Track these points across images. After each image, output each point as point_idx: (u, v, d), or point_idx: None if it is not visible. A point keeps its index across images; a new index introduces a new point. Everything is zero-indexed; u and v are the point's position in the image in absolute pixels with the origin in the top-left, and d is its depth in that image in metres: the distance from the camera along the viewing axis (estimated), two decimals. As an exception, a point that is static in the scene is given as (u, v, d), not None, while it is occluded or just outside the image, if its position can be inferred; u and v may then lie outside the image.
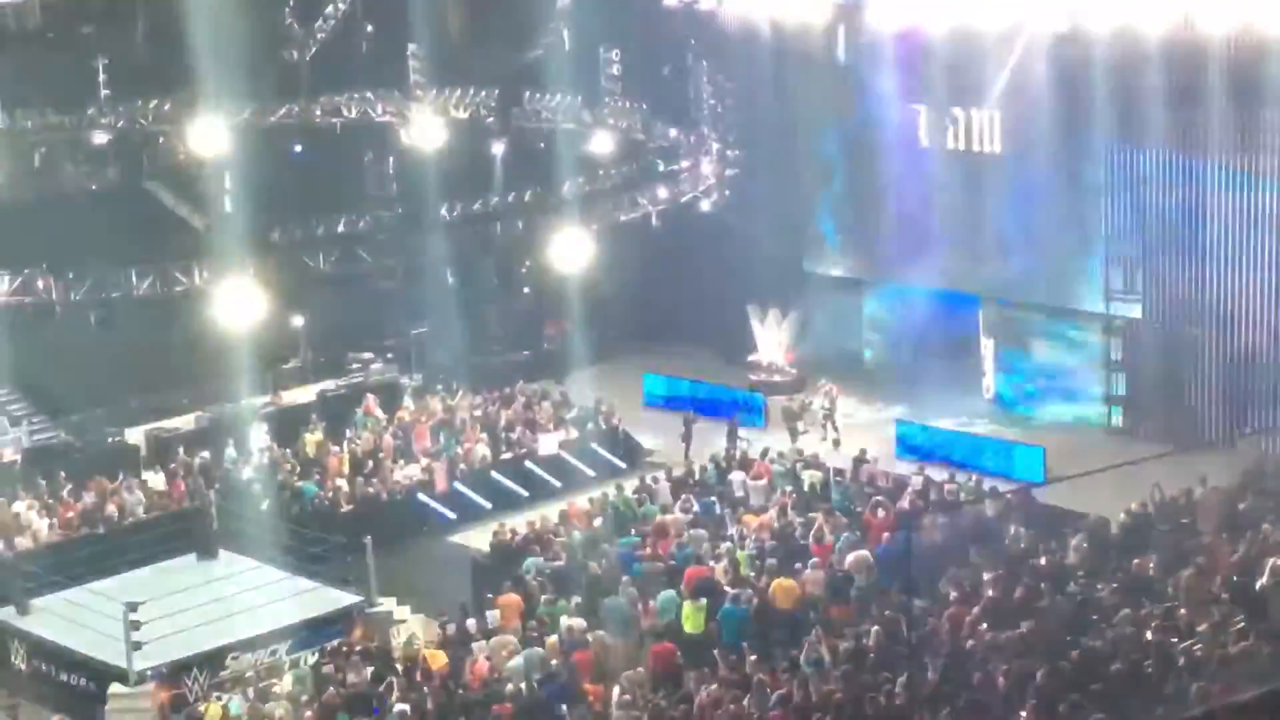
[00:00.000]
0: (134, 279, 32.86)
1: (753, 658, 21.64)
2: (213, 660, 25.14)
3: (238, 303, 32.60)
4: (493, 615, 24.60)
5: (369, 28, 46.59)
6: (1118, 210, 34.56)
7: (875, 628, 22.11)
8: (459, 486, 32.25)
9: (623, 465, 33.99)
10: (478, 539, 29.89)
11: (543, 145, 42.68)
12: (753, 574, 25.22)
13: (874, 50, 38.12)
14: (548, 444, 33.86)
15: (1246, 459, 29.12)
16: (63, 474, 32.14)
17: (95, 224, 38.44)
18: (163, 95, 43.56)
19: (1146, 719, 18.49)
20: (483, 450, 33.53)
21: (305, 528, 29.74)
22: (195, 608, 26.86)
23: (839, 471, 30.76)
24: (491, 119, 43.63)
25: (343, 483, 32.01)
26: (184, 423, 35.81)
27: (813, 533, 26.67)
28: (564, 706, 20.93)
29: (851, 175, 39.81)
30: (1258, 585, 22.02)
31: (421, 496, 31.86)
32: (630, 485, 30.75)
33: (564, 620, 23.80)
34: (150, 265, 33.00)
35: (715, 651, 22.03)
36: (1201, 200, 33.15)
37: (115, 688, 24.23)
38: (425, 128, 38.35)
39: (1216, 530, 25.32)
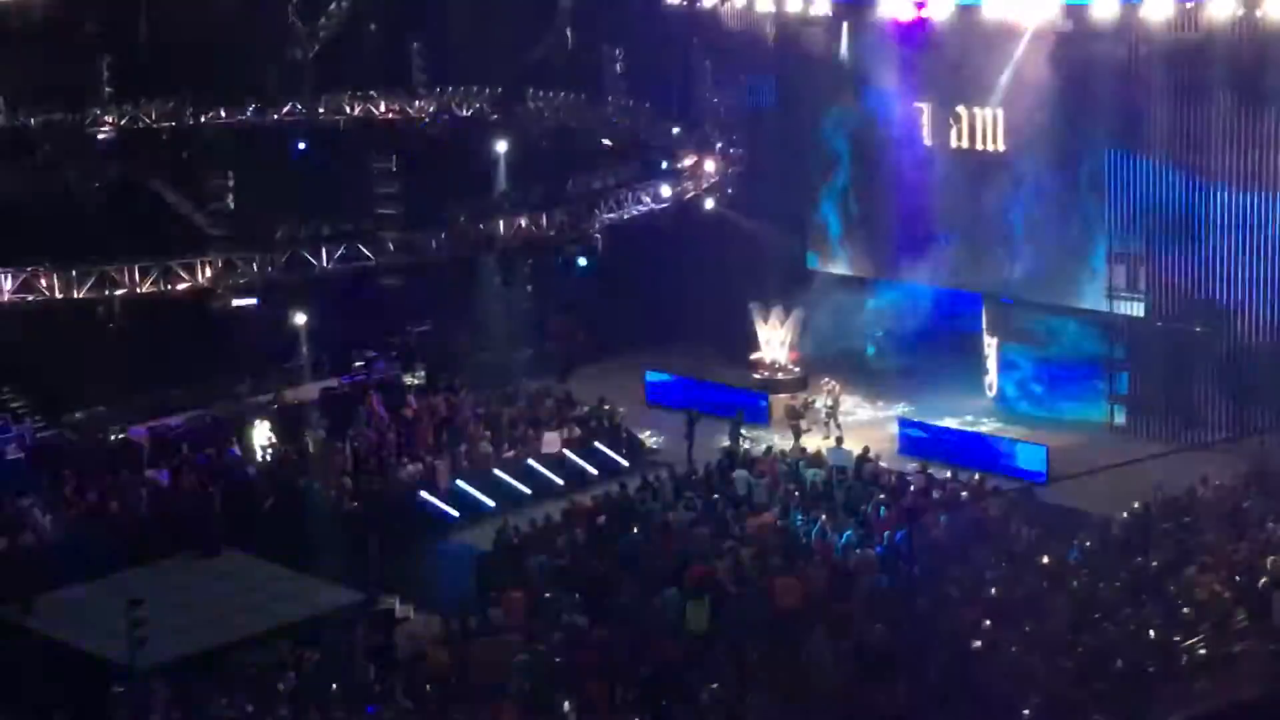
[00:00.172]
0: (137, 276, 32.89)
1: (757, 655, 21.65)
2: (216, 658, 25.14)
3: (240, 300, 32.64)
4: (496, 613, 24.61)
5: (372, 26, 46.64)
6: (1120, 208, 34.55)
7: (878, 626, 22.14)
8: (462, 484, 32.24)
9: (625, 464, 33.98)
10: (481, 537, 29.88)
11: (545, 143, 42.74)
12: (756, 572, 25.23)
13: (877, 48, 38.15)
14: (550, 442, 33.85)
15: (1249, 458, 29.15)
16: (66, 471, 32.17)
17: (98, 221, 38.48)
18: (166, 93, 43.63)
19: (1149, 718, 18.50)
20: (485, 448, 33.53)
21: (308, 525, 29.74)
22: (198, 605, 26.90)
23: (841, 470, 30.76)
24: (495, 117, 43.69)
25: (346, 480, 32.01)
26: (187, 420, 35.79)
27: (816, 531, 26.68)
28: (566, 704, 20.93)
29: (854, 174, 39.81)
30: (1260, 584, 22.04)
31: (424, 494, 31.85)
32: (633, 484, 30.76)
33: (566, 618, 23.81)
34: (153, 263, 33.03)
35: (720, 650, 22.02)
36: (1204, 199, 33.14)
37: (118, 685, 24.24)
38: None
39: (1219, 529, 25.35)
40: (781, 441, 34.09)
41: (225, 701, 22.74)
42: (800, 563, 25.46)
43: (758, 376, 39.06)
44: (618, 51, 42.88)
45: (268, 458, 33.60)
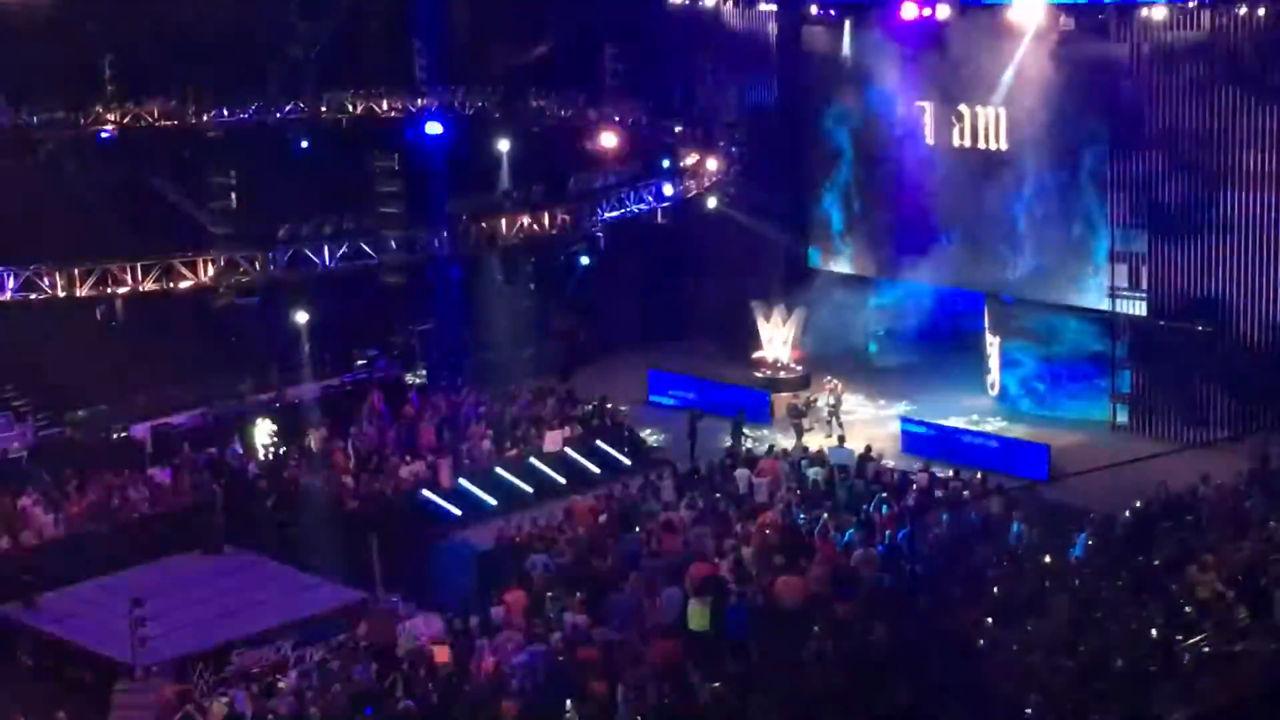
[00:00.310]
0: (139, 274, 32.87)
1: (758, 655, 21.65)
2: (218, 656, 25.17)
3: (242, 299, 32.65)
4: (497, 612, 24.62)
5: (374, 25, 46.60)
6: (1123, 207, 34.55)
7: (880, 625, 22.13)
8: (463, 483, 32.24)
9: (627, 462, 33.98)
10: (482, 536, 29.89)
11: (548, 142, 42.70)
12: (758, 572, 25.22)
13: (879, 47, 38.17)
14: (552, 441, 33.86)
15: (1252, 456, 29.14)
16: (68, 470, 32.19)
17: (100, 220, 38.44)
18: (168, 91, 43.60)
19: (1151, 717, 18.49)
20: (487, 447, 33.53)
21: (309, 524, 29.76)
22: (200, 603, 26.95)
23: (843, 469, 30.76)
24: (497, 116, 43.67)
25: (348, 479, 32.02)
26: (189, 418, 35.82)
27: (818, 530, 26.67)
28: (568, 704, 20.93)
29: (856, 172, 39.82)
30: (1262, 583, 22.03)
31: (426, 493, 31.86)
32: (635, 482, 30.76)
33: (568, 617, 23.82)
34: (155, 261, 33.01)
35: (722, 649, 22.01)
36: (1206, 197, 33.13)
37: (121, 683, 24.27)
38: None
39: (1221, 528, 25.34)
40: (783, 440, 34.10)
41: (226, 699, 22.76)
42: (803, 561, 25.46)
43: (759, 375, 39.06)
44: (619, 50, 42.82)
45: (269, 456, 33.65)
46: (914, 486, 29.28)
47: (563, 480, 33.04)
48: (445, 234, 35.10)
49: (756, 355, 39.70)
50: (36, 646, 26.61)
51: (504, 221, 35.56)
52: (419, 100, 43.79)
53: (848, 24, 38.74)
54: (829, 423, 35.21)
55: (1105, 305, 35.11)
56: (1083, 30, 34.42)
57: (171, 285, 33.00)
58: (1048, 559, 24.77)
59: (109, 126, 43.68)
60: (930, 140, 37.75)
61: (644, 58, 42.91)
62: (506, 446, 33.80)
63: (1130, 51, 33.66)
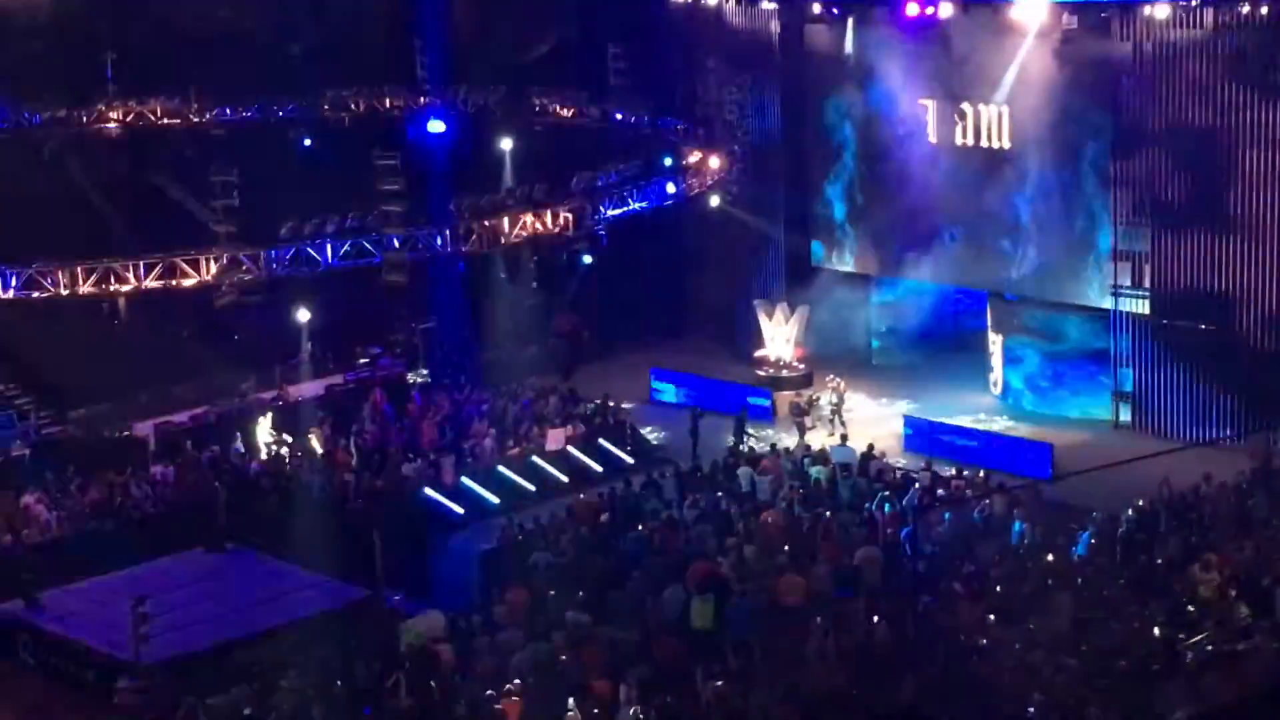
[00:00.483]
0: (142, 273, 32.88)
1: (761, 653, 21.64)
2: (219, 654, 25.17)
3: (245, 297, 32.65)
4: (500, 610, 24.61)
5: (376, 23, 46.60)
6: (1126, 205, 34.53)
7: (882, 623, 22.13)
8: (466, 482, 32.23)
9: (630, 461, 33.95)
10: (485, 534, 29.87)
11: (550, 141, 42.70)
12: (760, 570, 25.22)
13: (882, 45, 38.16)
14: (555, 439, 33.84)
15: (1255, 455, 29.13)
16: (71, 468, 32.20)
17: (103, 218, 38.48)
18: (171, 89, 43.61)
19: (1153, 715, 18.49)
20: (490, 445, 33.52)
21: (312, 522, 29.75)
22: (202, 601, 26.93)
23: (845, 467, 30.75)
24: (499, 114, 43.67)
25: (350, 477, 32.02)
26: (191, 416, 35.83)
27: (820, 528, 26.66)
28: (570, 702, 20.93)
29: (859, 171, 39.79)
30: (1264, 582, 22.02)
31: (428, 491, 31.85)
32: (637, 481, 30.76)
33: (571, 615, 23.81)
34: (158, 259, 33.02)
35: (725, 647, 22.01)
36: (1209, 196, 33.11)
37: (123, 681, 24.27)
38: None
39: (1224, 527, 25.34)
40: (786, 439, 34.09)
41: (228, 698, 22.75)
42: (805, 560, 25.47)
43: (762, 373, 39.04)
44: (622, 49, 42.82)
45: (272, 454, 33.63)
46: (916, 485, 29.27)
47: (565, 479, 33.01)
48: (448, 232, 35.11)
49: (759, 354, 39.68)
50: (38, 644, 26.60)
51: (506, 220, 35.55)
52: (421, 98, 43.78)
53: (850, 22, 38.72)
54: (831, 421, 35.19)
55: (1108, 304, 35.09)
56: (1085, 28, 34.40)
57: (174, 283, 33.00)
58: (1050, 558, 24.76)
59: (112, 124, 43.71)
60: (933, 138, 37.73)
61: (647, 56, 42.91)
62: (509, 445, 33.78)
63: (1133, 50, 33.64)
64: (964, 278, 38.29)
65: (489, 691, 21.44)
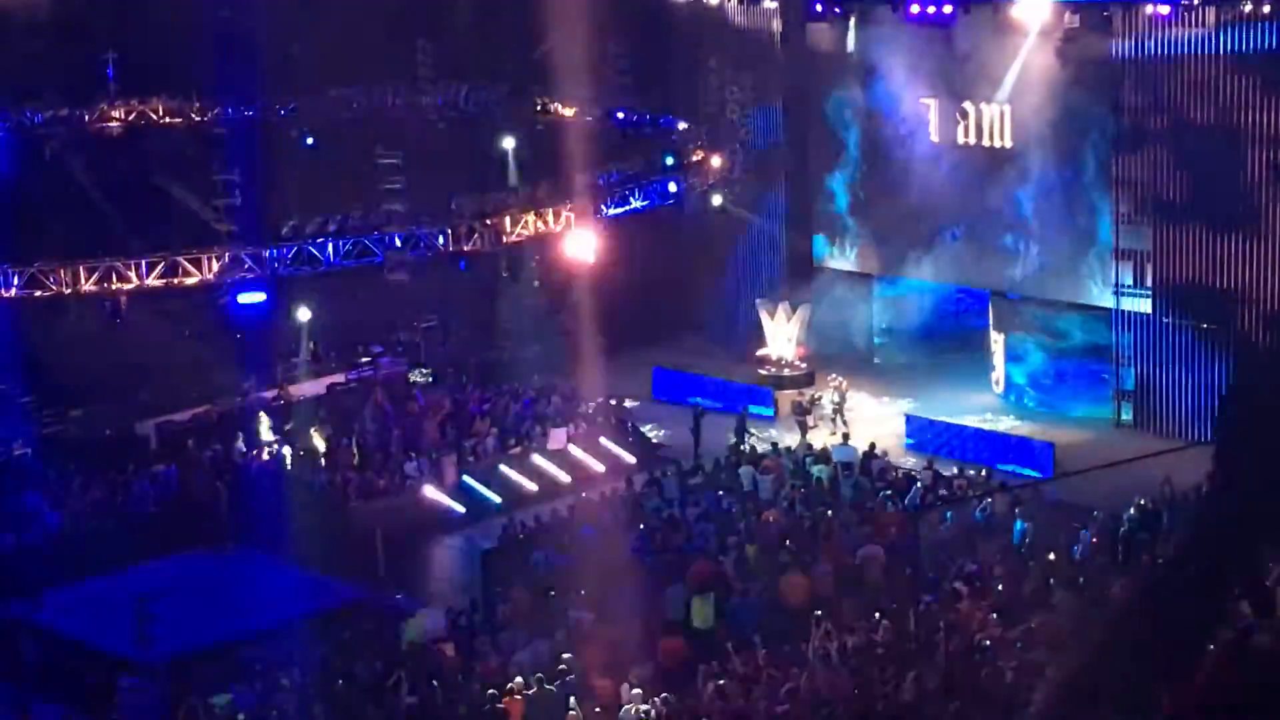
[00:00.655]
0: (144, 271, 32.91)
1: (762, 652, 21.64)
2: (222, 652, 25.17)
3: (248, 295, 32.67)
4: (502, 609, 24.62)
5: (378, 21, 46.62)
6: (1128, 204, 34.52)
7: (884, 622, 22.13)
8: (468, 480, 32.25)
9: (632, 460, 33.96)
10: (487, 533, 29.88)
11: (551, 140, 42.69)
12: (762, 569, 25.22)
13: (884, 44, 38.16)
14: (557, 438, 33.85)
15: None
16: (72, 466, 32.20)
17: (104, 216, 38.49)
18: (172, 88, 43.64)
19: (1154, 713, 18.45)
20: (491, 444, 33.53)
21: (314, 521, 29.74)
22: (204, 600, 26.93)
23: (847, 466, 30.75)
24: (501, 113, 43.68)
25: (351, 476, 32.02)
26: (193, 415, 35.82)
27: (822, 527, 26.66)
28: (573, 700, 20.94)
29: (861, 170, 39.79)
30: (1267, 582, 21.98)
31: (430, 490, 31.86)
32: (639, 480, 30.76)
33: (573, 614, 23.82)
34: (159, 258, 33.05)
35: (728, 646, 22.00)
36: (1211, 195, 33.10)
37: (125, 680, 24.27)
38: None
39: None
40: (788, 438, 34.08)
41: (231, 696, 22.76)
42: (807, 559, 25.47)
43: (764, 372, 39.04)
44: (624, 48, 42.82)
45: (274, 453, 33.62)
46: (918, 484, 29.27)
47: (567, 477, 33.02)
48: (450, 231, 35.14)
49: (761, 352, 39.68)
50: (41, 643, 26.60)
51: (509, 218, 35.56)
52: (423, 97, 43.82)
53: (852, 20, 38.73)
54: (833, 420, 35.18)
55: (1110, 303, 35.08)
56: (1087, 27, 34.40)
57: (176, 282, 33.02)
58: (1051, 556, 24.76)
59: (114, 123, 43.73)
60: (935, 137, 37.73)
61: (649, 55, 42.90)
62: (511, 444, 33.80)
63: (1135, 48, 33.64)
64: (966, 276, 38.29)
65: (490, 690, 21.45)
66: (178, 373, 36.61)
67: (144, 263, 32.99)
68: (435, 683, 22.05)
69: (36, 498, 30.71)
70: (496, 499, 32.04)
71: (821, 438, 33.89)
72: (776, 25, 40.21)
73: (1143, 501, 26.38)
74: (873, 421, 35.86)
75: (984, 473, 30.35)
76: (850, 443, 32.49)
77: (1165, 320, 34.21)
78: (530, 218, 35.74)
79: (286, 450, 33.67)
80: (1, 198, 38.70)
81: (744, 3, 40.46)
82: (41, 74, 42.67)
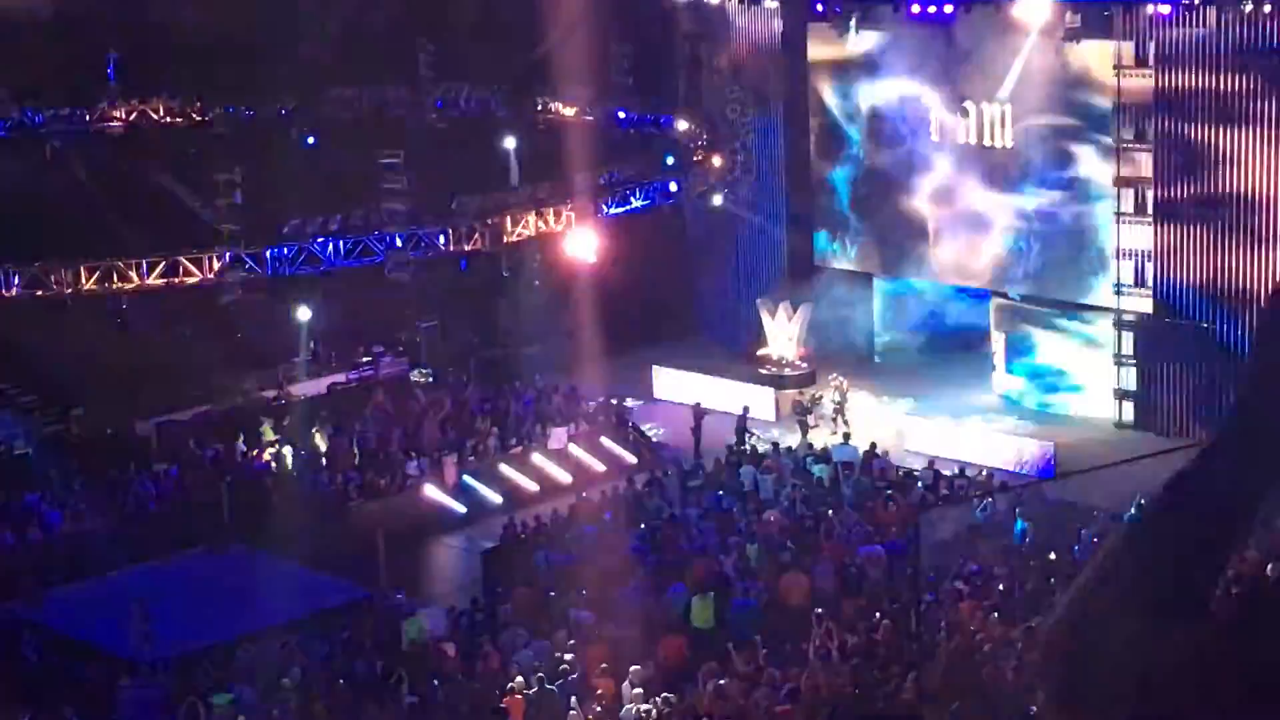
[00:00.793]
0: (145, 271, 32.92)
1: (763, 652, 21.64)
2: (223, 652, 25.17)
3: (250, 295, 32.70)
4: (503, 609, 24.62)
5: (380, 21, 46.63)
6: (1129, 203, 34.51)
7: (885, 622, 22.13)
8: (469, 480, 32.24)
9: (633, 459, 33.95)
10: (488, 533, 29.88)
11: (552, 140, 42.70)
12: (763, 569, 25.22)
13: (885, 43, 38.15)
14: (558, 438, 33.85)
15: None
16: (74, 466, 32.19)
17: (105, 216, 38.47)
18: (173, 87, 43.64)
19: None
20: (492, 444, 33.52)
21: (314, 521, 29.75)
22: (205, 600, 26.92)
23: (848, 466, 30.74)
24: (502, 113, 43.68)
25: (353, 475, 32.02)
26: (195, 415, 35.81)
27: (823, 527, 26.66)
28: (573, 700, 20.94)
29: (862, 169, 39.76)
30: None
31: (431, 490, 31.86)
32: (640, 479, 30.75)
33: (573, 614, 23.81)
34: (161, 257, 33.05)
35: (729, 645, 22.00)
36: (1214, 194, 33.10)
37: (126, 679, 24.27)
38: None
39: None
40: (788, 437, 34.07)
41: (231, 696, 22.77)
42: (807, 558, 25.47)
43: (765, 372, 39.00)
44: (625, 47, 42.81)
45: (274, 453, 33.62)
46: (919, 484, 29.25)
47: (567, 477, 33.02)
48: (451, 230, 35.14)
49: (762, 352, 39.66)
50: (42, 643, 26.60)
51: (510, 218, 35.56)
52: (424, 97, 43.82)
53: (853, 20, 38.70)
54: (835, 420, 35.15)
55: (1111, 302, 35.06)
56: (1089, 26, 34.40)
57: (177, 281, 33.02)
58: (1052, 556, 24.76)
59: (115, 123, 43.74)
60: (936, 136, 37.72)
61: (649, 55, 42.89)
62: (512, 444, 33.79)
63: (1135, 47, 33.63)
64: (967, 276, 38.27)
65: (491, 690, 21.45)
66: (178, 373, 36.62)
67: (144, 263, 32.99)
68: (436, 682, 22.06)
69: (37, 498, 30.70)
70: (497, 499, 32.03)
71: (822, 437, 33.88)
72: (777, 25, 40.19)
73: (1144, 501, 26.34)
74: (874, 421, 35.82)
75: (985, 473, 30.32)
76: (851, 442, 32.49)
77: (1166, 320, 34.18)
78: (531, 217, 35.73)
79: (287, 450, 33.66)
80: (2, 197, 38.78)
81: (745, 2, 40.43)
82: (43, 73, 42.65)
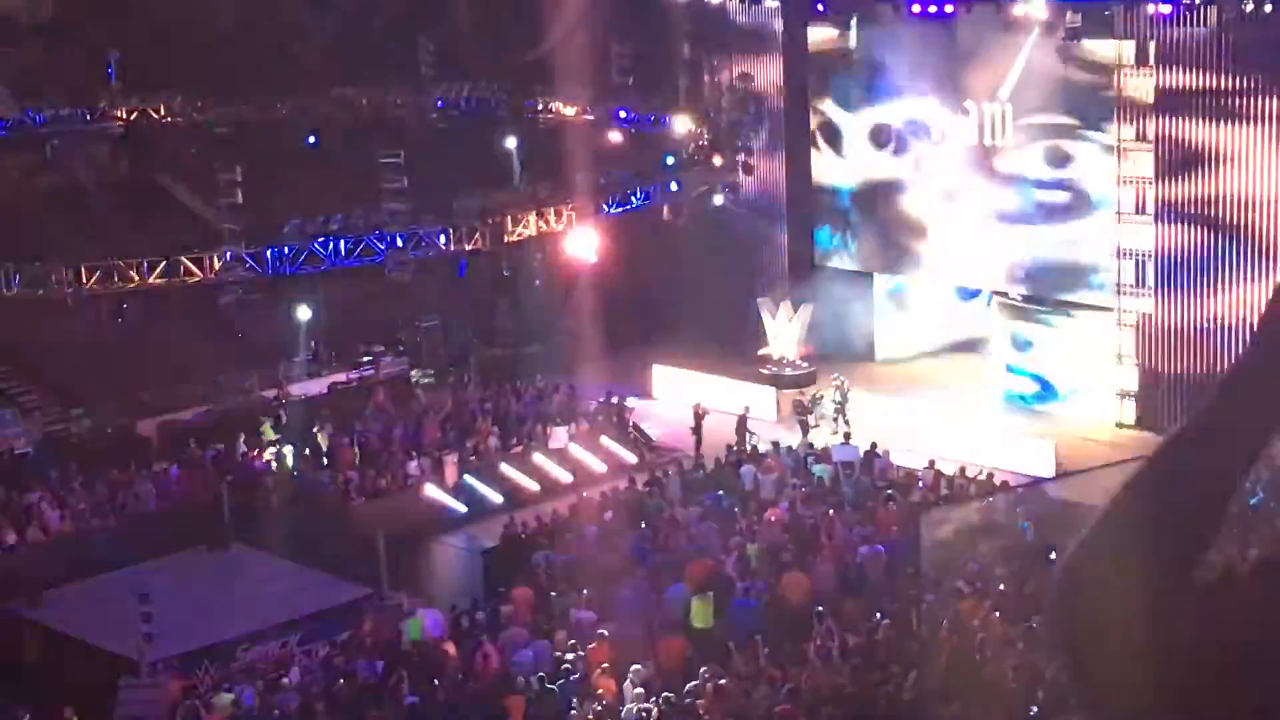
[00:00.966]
0: (146, 270, 32.93)
1: (765, 651, 21.64)
2: (223, 652, 25.19)
3: (248, 295, 32.71)
4: (506, 609, 24.61)
5: (381, 20, 46.64)
6: (1129, 203, 34.51)
7: (885, 621, 22.12)
8: (469, 480, 32.24)
9: (633, 459, 33.94)
10: (488, 532, 29.87)
11: (553, 139, 42.72)
12: (763, 568, 25.21)
13: (886, 42, 38.15)
14: (558, 437, 33.85)
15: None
16: (74, 466, 32.20)
17: (106, 216, 38.53)
18: (174, 87, 43.65)
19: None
20: (493, 443, 33.52)
21: (315, 520, 29.74)
22: (206, 599, 26.93)
23: (848, 465, 30.73)
24: (503, 112, 43.70)
25: (353, 475, 32.02)
26: (195, 415, 35.83)
27: (823, 526, 26.65)
28: (573, 700, 20.93)
29: (862, 168, 39.75)
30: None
31: (432, 489, 31.85)
32: (640, 479, 30.74)
33: (574, 613, 23.81)
34: (161, 257, 33.07)
35: (729, 645, 21.99)
36: (1215, 193, 33.09)
37: (126, 679, 24.28)
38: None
39: (1227, 527, 25.26)
40: (789, 437, 34.06)
41: (232, 695, 22.77)
42: (808, 558, 25.46)
43: (765, 372, 39.00)
44: (625, 47, 42.83)
45: (274, 453, 33.61)
46: (920, 483, 29.24)
47: (568, 477, 33.01)
48: (451, 230, 35.16)
49: (762, 352, 39.65)
50: (43, 642, 26.61)
51: (510, 218, 35.58)
52: (424, 96, 43.84)
53: (854, 19, 38.71)
54: (835, 419, 35.14)
55: (1112, 302, 35.06)
56: (1089, 25, 34.40)
57: (178, 281, 33.05)
58: (1053, 556, 24.73)
59: (116, 122, 43.75)
60: (936, 136, 37.71)
61: (649, 55, 42.90)
62: (513, 443, 33.78)
63: (1136, 47, 33.63)
64: (967, 275, 38.27)
65: (491, 690, 21.46)
66: (179, 372, 36.65)
67: (144, 263, 33.00)
68: (436, 682, 22.05)
69: (36, 497, 30.70)
70: (497, 498, 32.02)
71: (823, 437, 33.87)
72: (778, 24, 40.19)
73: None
74: (874, 421, 35.78)
75: (986, 472, 30.31)
76: (851, 442, 32.47)
77: (1167, 319, 34.18)
78: (531, 217, 35.73)
79: (287, 450, 33.66)
80: (2, 197, 38.82)
81: (745, 2, 40.42)
82: (44, 73, 42.68)
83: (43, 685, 25.45)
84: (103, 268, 32.90)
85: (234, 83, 43.25)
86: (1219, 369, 32.75)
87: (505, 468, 32.87)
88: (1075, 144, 35.30)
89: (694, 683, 20.69)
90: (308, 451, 33.41)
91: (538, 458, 33.31)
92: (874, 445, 31.63)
